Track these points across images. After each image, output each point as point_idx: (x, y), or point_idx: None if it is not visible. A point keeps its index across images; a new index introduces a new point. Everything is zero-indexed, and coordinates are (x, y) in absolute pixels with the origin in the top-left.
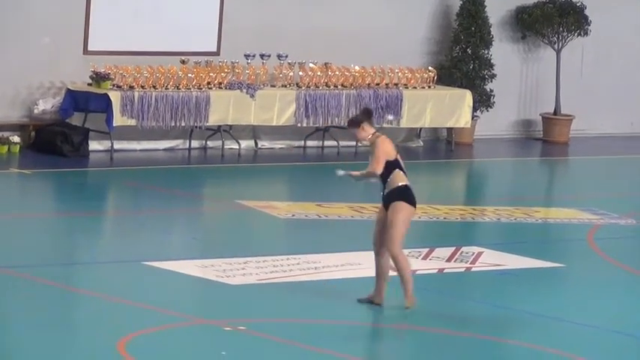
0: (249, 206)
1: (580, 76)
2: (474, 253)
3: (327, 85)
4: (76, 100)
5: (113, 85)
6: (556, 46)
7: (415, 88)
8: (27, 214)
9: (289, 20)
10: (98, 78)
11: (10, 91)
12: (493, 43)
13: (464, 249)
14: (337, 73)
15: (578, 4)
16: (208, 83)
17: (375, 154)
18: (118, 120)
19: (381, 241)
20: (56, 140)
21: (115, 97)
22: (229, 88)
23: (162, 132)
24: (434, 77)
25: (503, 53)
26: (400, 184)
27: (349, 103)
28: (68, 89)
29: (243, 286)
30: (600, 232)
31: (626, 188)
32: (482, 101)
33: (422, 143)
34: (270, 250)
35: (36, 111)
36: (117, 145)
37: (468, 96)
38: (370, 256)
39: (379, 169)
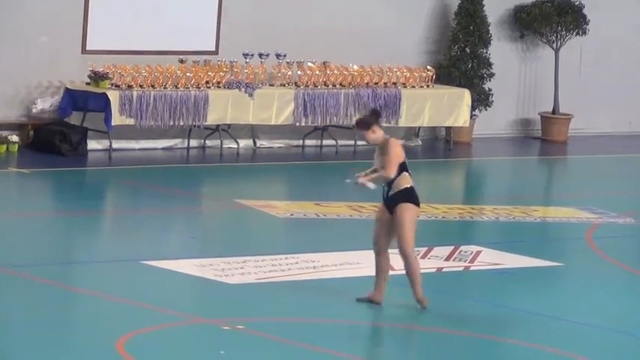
0: (247, 205)
1: (578, 76)
2: (472, 252)
3: (325, 84)
4: (74, 100)
5: (112, 85)
6: (554, 45)
7: (414, 87)
8: (25, 213)
9: (288, 19)
10: (97, 77)
11: (8, 90)
12: (491, 42)
13: (462, 248)
14: (336, 72)
15: (576, 4)
16: (207, 82)
17: (388, 158)
18: (117, 119)
19: (382, 241)
20: (55, 139)
21: (113, 96)
22: (228, 88)
23: (161, 131)
24: (432, 76)
25: (502, 52)
26: (406, 186)
27: (348, 103)
28: (67, 88)
29: (242, 285)
30: (599, 231)
31: (625, 187)
32: (481, 100)
33: (420, 142)
34: (268, 249)
35: (34, 110)
36: (115, 145)
37: (466, 95)
38: (369, 255)
39: (392, 173)
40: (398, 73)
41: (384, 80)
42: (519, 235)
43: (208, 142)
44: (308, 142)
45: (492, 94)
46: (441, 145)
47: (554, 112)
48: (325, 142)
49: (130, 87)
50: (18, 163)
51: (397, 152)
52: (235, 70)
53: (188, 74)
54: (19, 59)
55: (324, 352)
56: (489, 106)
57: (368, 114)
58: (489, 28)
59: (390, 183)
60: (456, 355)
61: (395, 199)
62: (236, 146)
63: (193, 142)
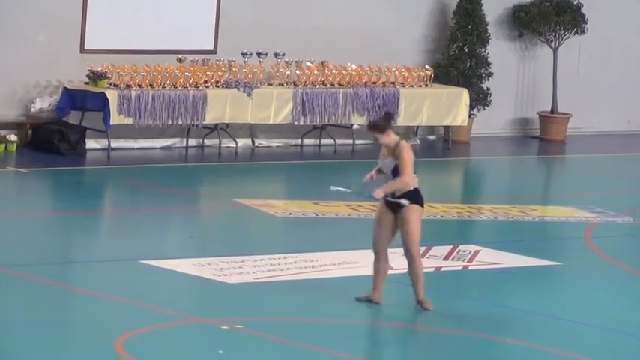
0: (246, 205)
1: (577, 75)
2: (471, 252)
3: (324, 83)
4: (73, 99)
5: (110, 84)
6: (553, 45)
7: (412, 86)
8: (24, 212)
9: (286, 19)
10: (95, 76)
11: (7, 89)
12: (490, 41)
13: (461, 247)
14: (334, 71)
15: (574, 3)
16: (205, 82)
17: (404, 164)
18: (115, 118)
19: (383, 241)
20: (53, 139)
21: (112, 95)
22: (226, 87)
23: (160, 130)
24: (431, 75)
25: (500, 51)
26: (413, 187)
27: (346, 102)
28: (65, 88)
29: (240, 284)
30: (597, 231)
31: (623, 186)
32: (479, 99)
33: (419, 142)
34: (267, 248)
35: (33, 109)
36: (114, 144)
37: (464, 94)
38: (367, 254)
39: (410, 180)
40: (396, 72)
41: (383, 79)
42: (518, 235)
43: (207, 142)
44: (306, 141)
45: (491, 94)
46: (439, 145)
47: (552, 111)
48: (324, 141)
49: (128, 86)
50: (16, 163)
51: (411, 158)
52: (234, 69)
53: (186, 73)
54: (18, 58)
55: (323, 351)
56: (488, 106)
57: (382, 117)
58: (488, 27)
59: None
60: (454, 355)
61: (407, 200)
62: (234, 145)
63: (192, 142)
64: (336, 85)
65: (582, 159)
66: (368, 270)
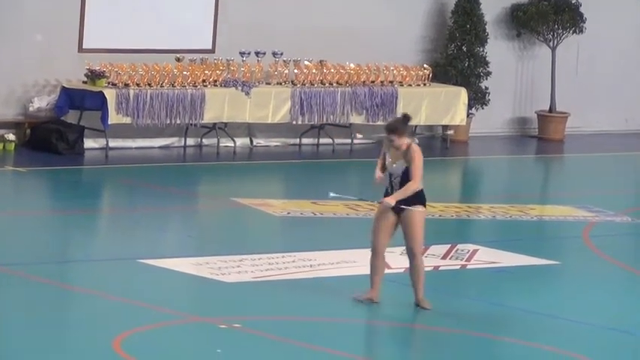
0: (244, 204)
1: (575, 74)
2: (469, 251)
3: (322, 82)
4: (71, 98)
5: (108, 83)
6: (551, 44)
7: (410, 85)
8: (22, 211)
9: (284, 18)
10: (93, 76)
11: (5, 89)
12: (488, 40)
13: (459, 246)
14: (332, 70)
15: (573, 2)
16: (203, 81)
17: (415, 168)
18: (113, 118)
19: (384, 241)
20: (51, 138)
21: (110, 94)
22: (224, 86)
23: (158, 130)
24: (429, 75)
25: (499, 51)
26: (419, 188)
27: (344, 101)
28: (63, 87)
29: (239, 283)
30: (595, 230)
31: (622, 185)
32: (478, 99)
33: (417, 141)
34: (265, 247)
35: (31, 109)
36: (112, 143)
37: (463, 93)
38: (365, 253)
39: (419, 184)
40: (394, 71)
41: (381, 79)
42: (516, 234)
43: (205, 141)
44: (305, 140)
45: (489, 93)
46: (437, 144)
47: (550, 110)
48: (322, 140)
49: (126, 85)
50: (15, 162)
51: (421, 161)
52: (232, 68)
53: (185, 73)
54: (16, 58)
55: (321, 350)
56: (486, 105)
57: (400, 118)
58: (486, 26)
59: (401, 184)
60: (453, 354)
61: (407, 200)
62: (233, 145)
63: (190, 141)
64: (334, 85)
65: (580, 158)
66: (366, 269)
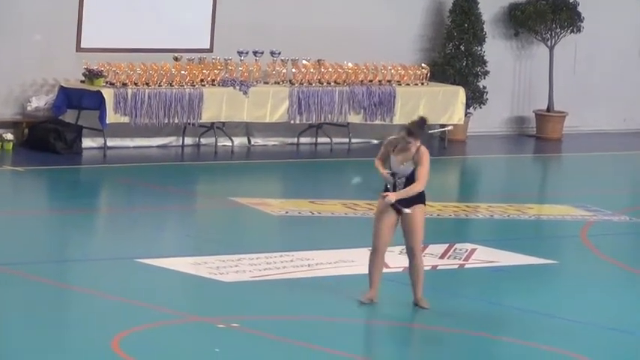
0: (242, 203)
1: (573, 73)
2: (467, 250)
3: (320, 82)
4: (69, 98)
5: (106, 83)
6: (549, 43)
7: (408, 84)
8: (20, 211)
9: (282, 17)
10: (91, 75)
11: (2, 88)
12: (486, 39)
13: (457, 246)
14: (330, 70)
15: (570, 1)
16: (201, 80)
17: (423, 170)
18: (111, 117)
19: (387, 241)
20: (49, 137)
21: (108, 94)
22: (222, 85)
23: (156, 129)
24: (427, 74)
25: (496, 50)
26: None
27: (342, 100)
28: (61, 86)
29: (237, 283)
30: (593, 229)
31: (620, 185)
32: (476, 98)
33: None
34: (263, 247)
35: (29, 108)
36: (110, 143)
37: (461, 93)
38: (363, 252)
39: (424, 186)
40: (392, 70)
41: (379, 78)
42: (514, 233)
43: (203, 140)
44: (302, 139)
45: (487, 92)
46: (435, 143)
47: (548, 109)
48: (320, 139)
49: (124, 85)
50: (12, 161)
51: (429, 163)
52: (230, 67)
53: (183, 72)
54: (14, 57)
55: (319, 349)
56: (484, 104)
57: (418, 122)
58: (484, 25)
59: (406, 184)
60: (451, 353)
61: (410, 200)
62: (230, 144)
63: (188, 140)
64: (332, 84)
65: (578, 157)
66: (364, 268)
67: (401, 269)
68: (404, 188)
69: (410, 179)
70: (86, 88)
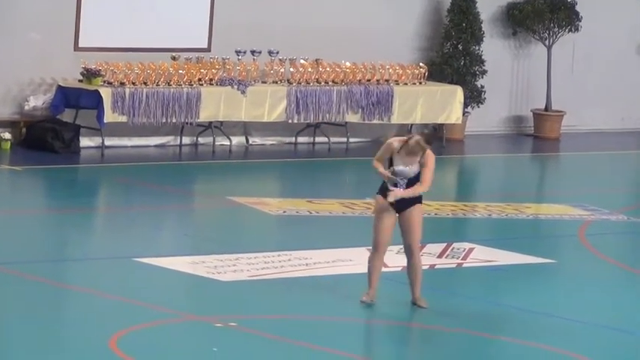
0: (240, 203)
1: (571, 72)
2: (465, 249)
3: (317, 81)
4: (66, 97)
5: (104, 82)
6: (547, 42)
7: (406, 84)
8: (18, 210)
9: (280, 16)
10: (89, 74)
11: (0, 87)
12: (484, 39)
13: (455, 245)
14: (328, 69)
15: (569, 0)
16: (199, 79)
17: (429, 174)
18: (109, 116)
19: (388, 241)
20: (47, 137)
21: (105, 93)
22: (220, 85)
23: (153, 128)
24: (425, 73)
25: (494, 49)
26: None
27: (340, 100)
28: (59, 86)
29: (234, 282)
30: (591, 228)
31: (617, 184)
32: (473, 97)
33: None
34: (261, 246)
35: (27, 107)
36: (108, 142)
37: (458, 92)
38: (361, 252)
39: (429, 187)
40: (390, 70)
41: (377, 77)
42: (512, 232)
43: (201, 140)
44: (300, 139)
45: (485, 91)
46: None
47: (546, 109)
48: (318, 139)
49: (122, 84)
50: (10, 161)
51: (434, 166)
52: (228, 67)
53: (180, 71)
54: (12, 56)
55: (318, 349)
56: (482, 103)
57: (434, 133)
58: (482, 25)
59: (408, 185)
60: (449, 352)
61: (409, 199)
62: (228, 143)
63: (186, 140)
64: (330, 83)
65: (576, 157)
66: (362, 268)
67: (399, 268)
68: (406, 186)
69: (412, 180)
70: (84, 88)
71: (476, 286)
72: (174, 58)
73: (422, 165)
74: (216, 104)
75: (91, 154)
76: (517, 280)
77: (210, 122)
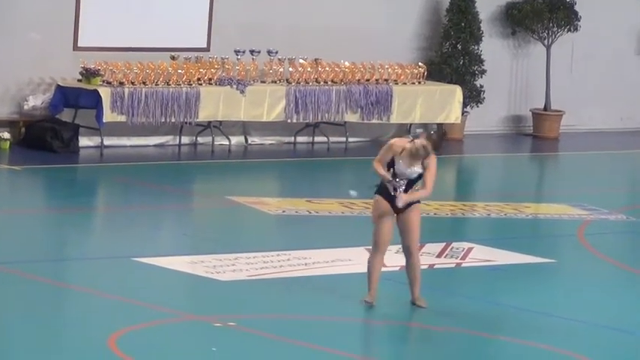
0: (239, 202)
1: (570, 72)
2: (464, 249)
3: (317, 80)
4: (66, 96)
5: (103, 81)
6: (546, 42)
7: (405, 83)
8: (17, 210)
9: (279, 16)
10: (88, 74)
11: None
12: (483, 38)
13: (454, 245)
14: (327, 68)
15: (567, 0)
16: (198, 79)
17: (432, 177)
18: (108, 116)
19: (389, 242)
20: (46, 136)
21: (104, 93)
22: (219, 84)
23: (153, 128)
24: (424, 73)
25: (493, 49)
26: None
27: (339, 99)
28: (58, 85)
29: (234, 282)
30: (590, 228)
31: (617, 184)
32: (473, 97)
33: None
34: (260, 246)
35: (26, 107)
36: (107, 141)
37: (458, 92)
38: (360, 252)
39: (432, 189)
40: (389, 69)
41: (376, 77)
42: (511, 232)
43: (200, 139)
44: (299, 138)
45: (484, 91)
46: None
47: (545, 108)
48: (317, 138)
49: (121, 84)
50: (9, 160)
51: (436, 168)
52: (227, 66)
53: (179, 71)
54: (11, 56)
55: (316, 348)
56: (481, 103)
57: (439, 136)
58: (481, 24)
59: (407, 186)
60: (448, 352)
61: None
62: (227, 143)
63: (185, 139)
64: (329, 83)
65: (575, 156)
66: (361, 267)
67: (398, 268)
68: (405, 190)
69: (413, 181)
70: (83, 87)
71: (475, 286)
72: (173, 58)
73: (425, 167)
74: (215, 104)
75: (90, 154)
76: (516, 279)
77: (210, 122)
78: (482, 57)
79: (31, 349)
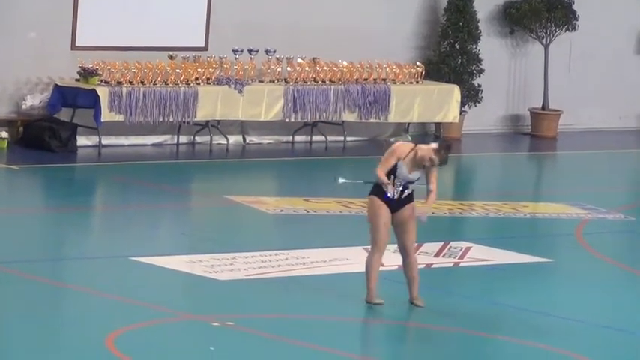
0: (237, 202)
1: (568, 71)
2: (462, 248)
3: (315, 80)
4: (64, 96)
5: (101, 81)
6: (544, 41)
7: (403, 83)
8: (15, 209)
9: (277, 15)
10: (86, 73)
11: None
12: (481, 38)
13: (452, 244)
14: (325, 68)
15: None
16: (196, 79)
17: (435, 179)
18: (106, 115)
19: (387, 239)
20: (44, 136)
21: (102, 92)
22: (217, 84)
23: (151, 127)
24: (422, 72)
25: (491, 48)
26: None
27: (337, 99)
28: (56, 85)
29: (232, 281)
30: (588, 227)
31: (615, 183)
32: (471, 96)
33: (410, 138)
34: (258, 245)
35: (24, 106)
36: (105, 141)
37: (456, 91)
38: (358, 251)
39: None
40: (387, 69)
41: (374, 76)
42: (509, 231)
43: (198, 139)
44: (297, 138)
45: (482, 90)
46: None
47: (543, 107)
48: (315, 138)
49: (119, 83)
50: (7, 160)
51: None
52: (225, 66)
53: (177, 70)
54: (9, 55)
55: (314, 348)
56: (479, 102)
57: (448, 151)
58: (479, 24)
59: (403, 188)
60: (446, 351)
61: (408, 200)
62: (225, 142)
63: (183, 139)
64: (327, 82)
65: (573, 155)
66: (359, 267)
67: (395, 267)
68: (401, 192)
69: (410, 183)
70: (81, 87)
71: (473, 285)
72: (171, 57)
73: (427, 171)
74: (213, 103)
75: (88, 153)
76: (514, 279)
77: (208, 121)
78: (480, 56)
79: (30, 348)
